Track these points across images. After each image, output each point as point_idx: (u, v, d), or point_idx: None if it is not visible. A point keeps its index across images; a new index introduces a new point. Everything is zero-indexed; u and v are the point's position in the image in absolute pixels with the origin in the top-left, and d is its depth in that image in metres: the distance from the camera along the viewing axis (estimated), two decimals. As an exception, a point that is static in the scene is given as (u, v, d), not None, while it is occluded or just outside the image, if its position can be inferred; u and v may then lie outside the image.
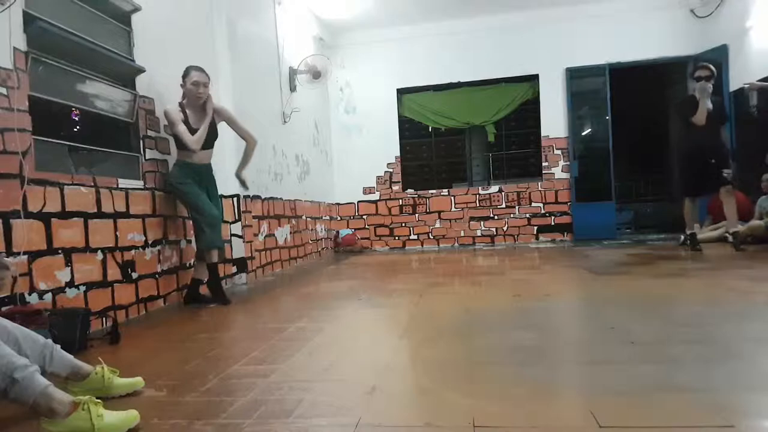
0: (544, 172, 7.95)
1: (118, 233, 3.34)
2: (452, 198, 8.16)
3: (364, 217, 8.35)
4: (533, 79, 7.91)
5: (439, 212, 8.19)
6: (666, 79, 8.75)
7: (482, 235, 8.09)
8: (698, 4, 7.28)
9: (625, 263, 4.97)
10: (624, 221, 8.99)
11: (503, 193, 8.04)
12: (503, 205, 8.04)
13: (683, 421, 1.39)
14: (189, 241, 4.14)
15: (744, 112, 6.76)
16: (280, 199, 5.91)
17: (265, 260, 5.43)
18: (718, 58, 7.08)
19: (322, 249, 7.43)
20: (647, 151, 10.00)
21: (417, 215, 8.24)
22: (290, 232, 6.13)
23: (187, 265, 4.10)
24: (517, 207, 8.01)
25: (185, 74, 3.72)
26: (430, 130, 8.39)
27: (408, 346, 2.43)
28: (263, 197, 5.43)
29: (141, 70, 3.66)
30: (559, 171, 7.89)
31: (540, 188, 7.95)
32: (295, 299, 4.03)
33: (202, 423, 1.58)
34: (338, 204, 8.33)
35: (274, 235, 5.68)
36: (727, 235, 6.14)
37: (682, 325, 2.46)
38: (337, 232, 8.10)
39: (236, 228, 4.84)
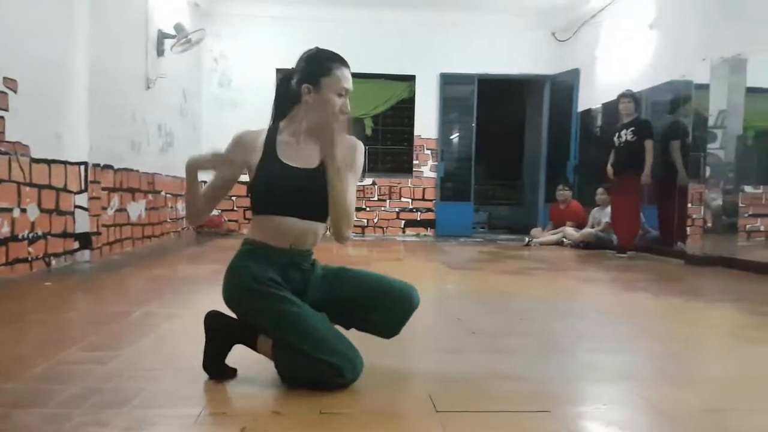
0: (414, 169, 8.27)
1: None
2: (325, 186, 8.15)
3: (233, 198, 8.04)
4: (411, 79, 8.16)
5: (311, 199, 8.13)
6: (525, 95, 9.53)
7: (353, 226, 8.19)
8: (560, 29, 8.01)
9: (477, 259, 5.35)
10: (480, 221, 9.66)
11: (376, 186, 8.22)
12: (375, 198, 8.23)
13: (509, 406, 1.53)
14: (23, 210, 3.68)
15: (588, 131, 7.60)
16: (137, 171, 5.47)
17: (114, 237, 5.01)
18: (570, 80, 7.87)
19: (183, 229, 7.02)
20: (504, 158, 10.80)
21: (287, 200, 8.11)
22: (146, 208, 5.71)
23: (20, 237, 3.64)
24: (388, 201, 8.24)
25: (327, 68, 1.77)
26: (307, 115, 8.29)
27: (264, 333, 2.39)
28: (116, 167, 4.99)
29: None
30: (427, 170, 8.26)
31: (410, 185, 8.25)
32: (145, 281, 3.77)
33: (23, 412, 1.42)
34: (204, 182, 7.90)
35: (126, 210, 5.24)
36: (563, 239, 6.89)
37: (520, 319, 2.71)
38: (201, 211, 7.71)
39: (81, 199, 4.39)
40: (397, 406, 1.54)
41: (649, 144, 5.54)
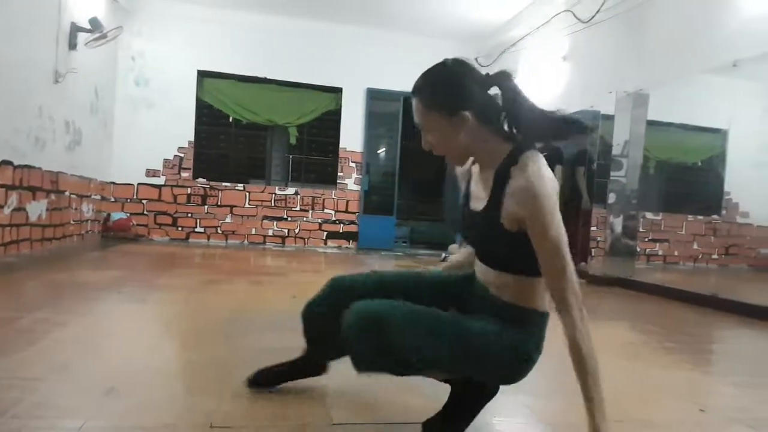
0: (338, 181, 8.27)
1: None
2: (247, 194, 7.99)
3: (144, 201, 7.69)
4: (338, 91, 8.20)
5: (232, 207, 7.94)
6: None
7: (274, 235, 8.07)
8: (483, 54, 8.35)
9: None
10: (402, 235, 9.80)
11: (299, 196, 8.14)
12: (298, 208, 8.15)
13: (405, 418, 1.57)
14: None
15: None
16: (39, 168, 5.11)
17: (10, 238, 4.63)
18: (491, 105, 8.21)
19: (87, 232, 6.61)
20: (428, 175, 11.04)
21: (206, 207, 7.86)
22: (47, 209, 5.34)
23: None
24: (310, 211, 8.18)
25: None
26: (230, 120, 8.11)
27: (165, 346, 2.30)
28: (16, 164, 4.63)
29: None
30: (352, 182, 8.29)
31: (333, 196, 8.24)
32: (40, 286, 3.52)
33: None
34: (113, 183, 7.51)
35: (25, 209, 4.87)
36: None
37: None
38: (108, 214, 7.31)
39: (-27, 196, 4.05)
40: (293, 419, 1.53)
41: (558, 170, 5.89)
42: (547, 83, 6.86)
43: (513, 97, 1.34)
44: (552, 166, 4.88)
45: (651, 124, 5.95)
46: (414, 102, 1.37)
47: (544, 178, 1.24)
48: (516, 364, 1.33)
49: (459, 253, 6.56)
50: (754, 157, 8.68)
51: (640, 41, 5.38)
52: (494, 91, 1.38)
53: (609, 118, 5.77)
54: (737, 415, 1.82)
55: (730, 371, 2.14)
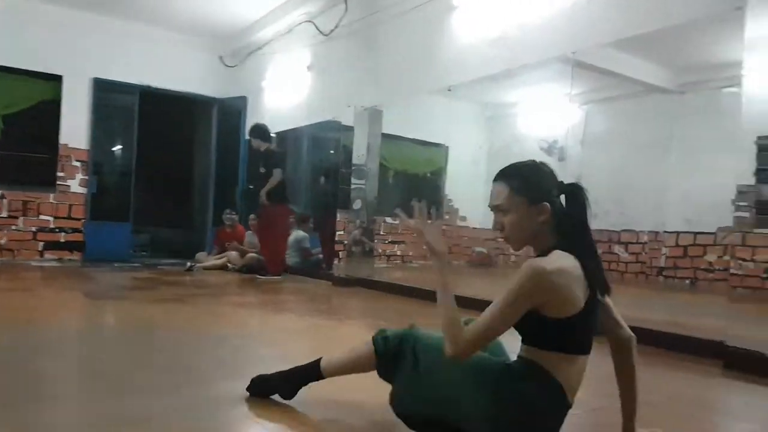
0: (58, 183, 7.08)
1: None
2: (-70, 198, 6.31)
3: None
4: (57, 79, 7.01)
5: None
6: (194, 114, 9.29)
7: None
8: (227, 54, 8.10)
9: (128, 287, 4.86)
10: (141, 243, 8.87)
11: (6, 201, 6.74)
12: (5, 215, 6.74)
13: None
14: None
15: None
16: None
17: None
18: (238, 106, 8.02)
19: None
20: (174, 177, 10.26)
21: None
22: None
23: None
24: (21, 218, 6.84)
25: None
26: None
27: None
28: None
29: None
30: (75, 184, 7.18)
31: (52, 200, 7.04)
32: None
33: None
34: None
35: None
36: (228, 264, 6.88)
37: (156, 352, 2.50)
38: None
39: None
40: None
41: (276, 172, 5.94)
42: (294, 91, 6.99)
43: (580, 210, 1.45)
44: (270, 171, 4.88)
45: (387, 137, 6.52)
46: (498, 185, 1.48)
47: (541, 261, 1.35)
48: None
49: (208, 260, 6.26)
50: (467, 169, 10.30)
51: (374, 60, 5.82)
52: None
53: (350, 129, 6.13)
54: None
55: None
